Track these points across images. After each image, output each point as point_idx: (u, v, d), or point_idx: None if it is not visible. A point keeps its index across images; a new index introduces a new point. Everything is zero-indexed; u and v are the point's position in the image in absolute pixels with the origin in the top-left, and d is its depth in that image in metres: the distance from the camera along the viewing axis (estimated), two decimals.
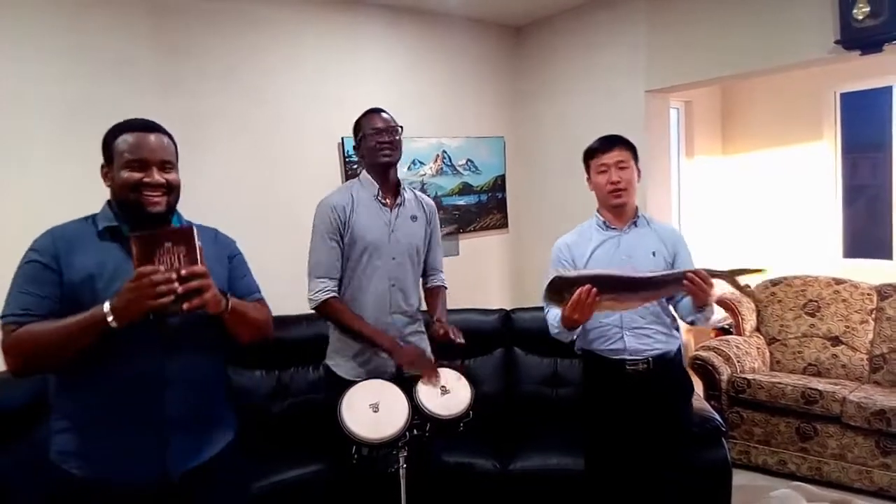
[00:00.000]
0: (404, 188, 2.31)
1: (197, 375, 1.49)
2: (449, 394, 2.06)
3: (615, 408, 2.16)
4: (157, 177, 1.45)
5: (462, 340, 2.14)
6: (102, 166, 1.49)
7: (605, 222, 2.22)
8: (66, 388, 1.45)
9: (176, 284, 1.30)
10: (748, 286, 4.09)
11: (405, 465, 1.96)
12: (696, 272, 1.87)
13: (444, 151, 4.03)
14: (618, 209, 2.19)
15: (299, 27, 3.42)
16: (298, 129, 3.43)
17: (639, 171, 2.22)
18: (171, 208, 1.52)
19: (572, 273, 1.92)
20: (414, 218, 2.29)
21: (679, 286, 1.89)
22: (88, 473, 1.40)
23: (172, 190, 1.49)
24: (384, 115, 2.25)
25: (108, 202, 1.52)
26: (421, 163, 3.91)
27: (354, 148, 2.33)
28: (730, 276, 1.97)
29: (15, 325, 1.36)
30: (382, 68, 3.76)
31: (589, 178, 2.25)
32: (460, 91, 4.14)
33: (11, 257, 2.44)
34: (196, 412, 1.49)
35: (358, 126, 2.27)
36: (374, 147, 2.20)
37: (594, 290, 1.82)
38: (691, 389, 2.30)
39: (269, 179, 3.34)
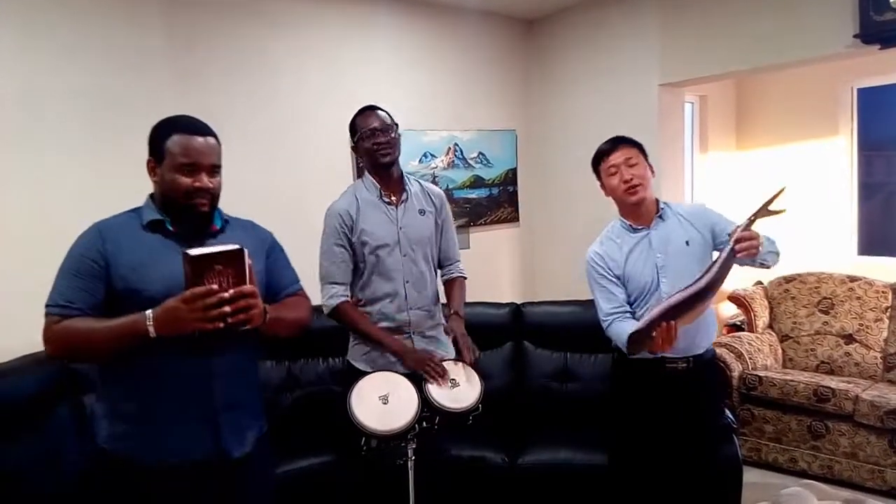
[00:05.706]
0: (409, 181, 2.28)
1: (239, 369, 1.59)
2: (458, 387, 2.06)
3: (649, 406, 2.11)
4: (206, 182, 1.52)
5: (471, 360, 2.13)
6: (149, 161, 1.54)
7: (630, 225, 2.14)
8: (116, 376, 1.51)
9: (227, 308, 1.35)
10: (760, 282, 4.07)
11: (414, 458, 1.96)
12: (739, 238, 1.86)
13: (456, 144, 4.03)
14: (637, 207, 2.12)
15: (310, 21, 3.41)
16: (309, 123, 3.42)
17: (651, 167, 2.16)
18: (213, 208, 1.59)
19: (641, 324, 1.89)
20: (422, 212, 2.27)
21: (733, 261, 1.89)
22: (143, 456, 1.47)
23: (216, 194, 1.58)
24: (380, 112, 2.21)
25: (151, 196, 1.58)
26: (433, 155, 3.90)
27: (352, 148, 2.31)
28: (756, 216, 1.97)
29: (58, 316, 1.42)
30: (394, 61, 3.75)
31: (602, 185, 2.18)
32: (472, 84, 4.13)
33: (20, 250, 2.51)
34: (240, 401, 1.58)
35: (353, 126, 2.23)
36: (371, 148, 2.17)
37: (672, 323, 1.83)
38: (724, 389, 2.26)
39: (280, 174, 3.33)
